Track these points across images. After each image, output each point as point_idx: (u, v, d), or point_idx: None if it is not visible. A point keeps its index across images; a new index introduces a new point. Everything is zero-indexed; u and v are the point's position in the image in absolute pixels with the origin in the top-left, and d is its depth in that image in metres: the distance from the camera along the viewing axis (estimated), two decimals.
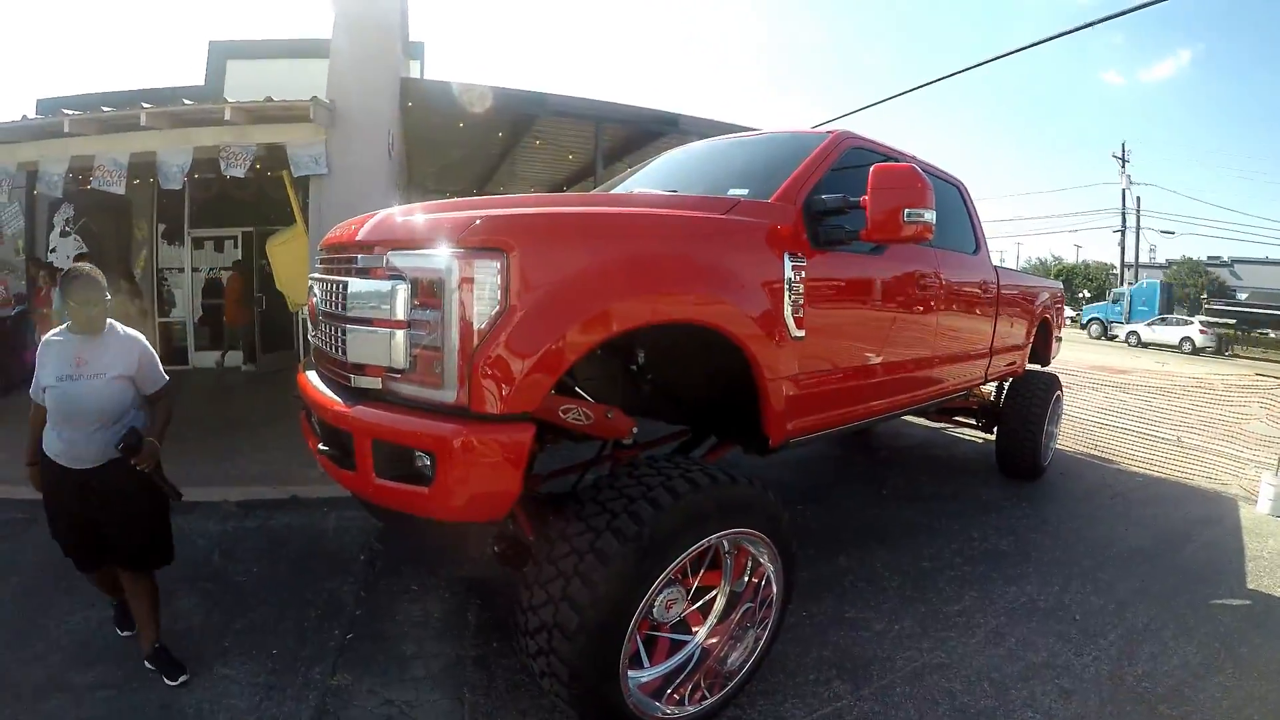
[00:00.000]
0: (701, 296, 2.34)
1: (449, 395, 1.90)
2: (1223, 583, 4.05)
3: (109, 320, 2.68)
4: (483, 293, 1.88)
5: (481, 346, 1.87)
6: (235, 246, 10.06)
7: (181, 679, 2.68)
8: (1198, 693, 2.89)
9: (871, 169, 2.72)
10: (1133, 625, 3.43)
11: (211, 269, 10.00)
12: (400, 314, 1.94)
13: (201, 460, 5.29)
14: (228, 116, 4.75)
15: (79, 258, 8.49)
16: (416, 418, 1.93)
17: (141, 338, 2.77)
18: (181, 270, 9.62)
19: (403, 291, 1.93)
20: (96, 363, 2.58)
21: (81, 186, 5.67)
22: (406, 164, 8.29)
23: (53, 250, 8.62)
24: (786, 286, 2.65)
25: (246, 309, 9.62)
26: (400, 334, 1.94)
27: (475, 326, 1.88)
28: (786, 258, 2.67)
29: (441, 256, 1.90)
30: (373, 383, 2.06)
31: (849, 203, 2.79)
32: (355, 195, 4.79)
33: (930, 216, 2.69)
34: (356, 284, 2.09)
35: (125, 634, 2.93)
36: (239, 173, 5.04)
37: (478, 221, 1.94)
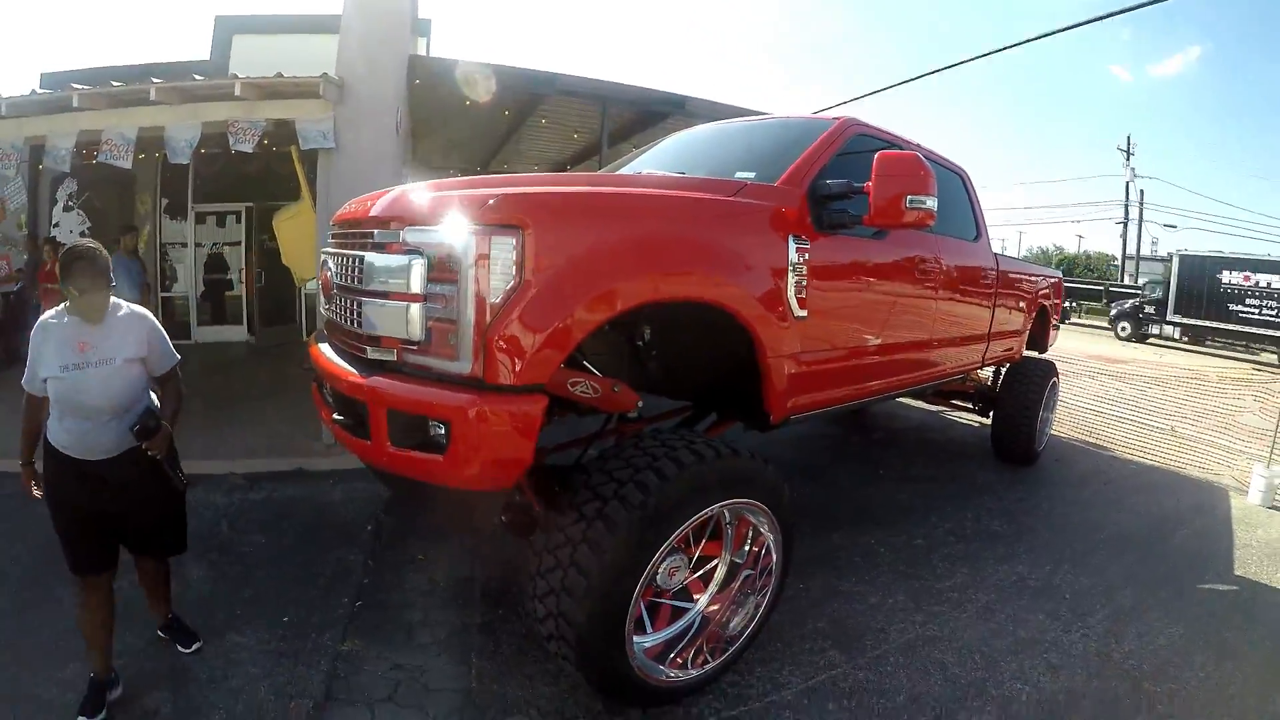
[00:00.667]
0: (708, 276, 2.40)
1: (464, 367, 1.96)
2: (1211, 569, 4.14)
3: (112, 299, 2.44)
4: (498, 268, 1.94)
5: (496, 320, 1.93)
6: (238, 222, 10.06)
7: (195, 646, 2.74)
8: (1182, 671, 2.98)
9: (876, 156, 2.77)
10: (1121, 606, 3.52)
11: (214, 244, 10.03)
12: (416, 288, 1.99)
13: (206, 433, 5.34)
14: (238, 92, 4.76)
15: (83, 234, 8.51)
16: (432, 388, 2.00)
17: (149, 314, 2.55)
18: (184, 245, 9.63)
19: (419, 266, 1.99)
20: (103, 347, 2.35)
21: (86, 161, 5.66)
22: (411, 141, 8.29)
23: (56, 225, 8.61)
24: (790, 268, 2.71)
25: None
26: (416, 307, 2.00)
27: (490, 301, 1.94)
28: (791, 240, 2.73)
29: (459, 233, 1.96)
30: (387, 354, 2.12)
31: (853, 188, 2.85)
32: (363, 171, 4.81)
33: (932, 204, 2.76)
34: (373, 258, 2.14)
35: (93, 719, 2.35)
36: (247, 148, 5.05)
37: (494, 199, 2.00)
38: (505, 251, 1.94)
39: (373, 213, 2.30)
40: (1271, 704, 2.83)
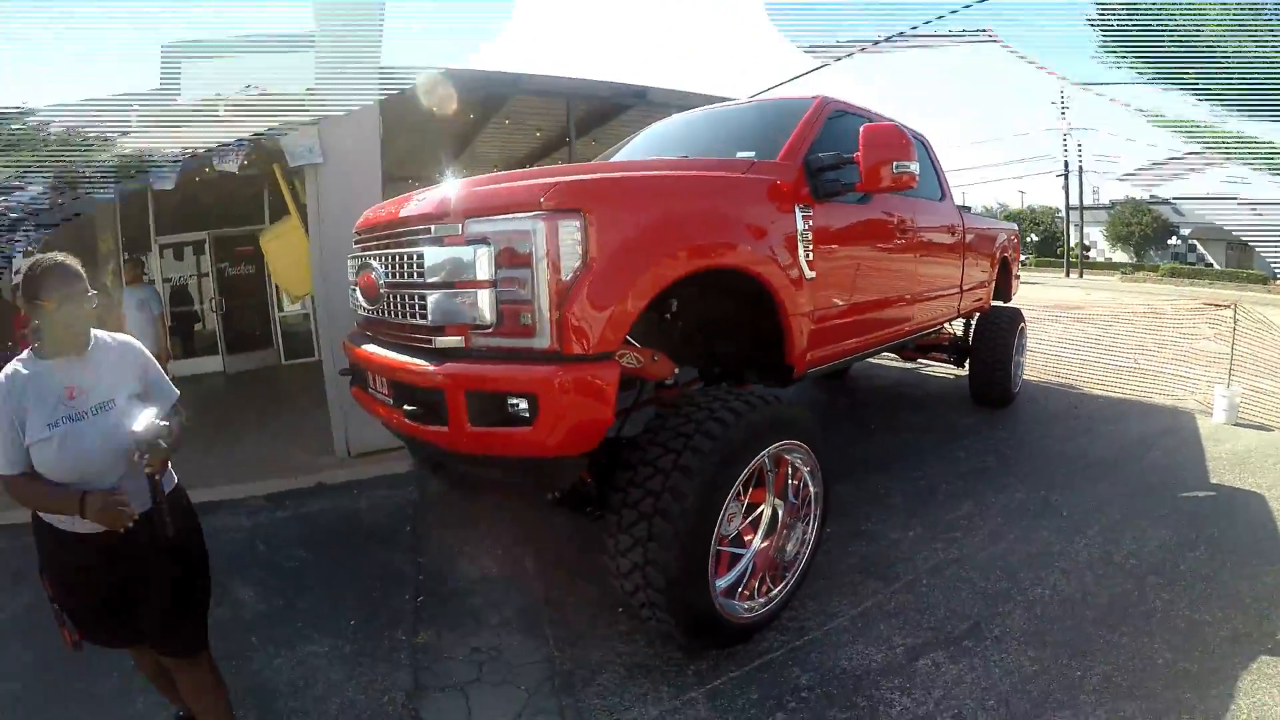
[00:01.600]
0: (743, 245, 2.65)
1: (542, 342, 2.12)
2: (1188, 480, 4.50)
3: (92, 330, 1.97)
4: (567, 249, 2.12)
5: (569, 297, 2.11)
6: (195, 254, 9.91)
7: None
8: (1178, 565, 3.31)
9: (862, 128, 3.04)
10: (1113, 519, 3.84)
11: (180, 277, 9.88)
12: (485, 274, 2.14)
13: (212, 462, 5.33)
14: (222, 113, 4.79)
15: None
16: (511, 365, 2.15)
17: (136, 342, 2.11)
18: (152, 281, 9.47)
19: (486, 254, 2.14)
20: (97, 388, 1.89)
21: (56, 200, 5.52)
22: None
23: (17, 272, 8.34)
24: (799, 235, 2.95)
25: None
26: (486, 293, 2.15)
27: (562, 279, 2.11)
28: (797, 209, 2.97)
29: (526, 219, 2.13)
30: (455, 341, 2.25)
31: (843, 158, 3.09)
32: (352, 181, 4.90)
33: (915, 168, 3.07)
34: (434, 252, 2.27)
35: None
36: (232, 168, 5.05)
37: (554, 188, 2.17)
38: (572, 234, 2.12)
39: (420, 211, 2.43)
40: (1260, 584, 3.14)
